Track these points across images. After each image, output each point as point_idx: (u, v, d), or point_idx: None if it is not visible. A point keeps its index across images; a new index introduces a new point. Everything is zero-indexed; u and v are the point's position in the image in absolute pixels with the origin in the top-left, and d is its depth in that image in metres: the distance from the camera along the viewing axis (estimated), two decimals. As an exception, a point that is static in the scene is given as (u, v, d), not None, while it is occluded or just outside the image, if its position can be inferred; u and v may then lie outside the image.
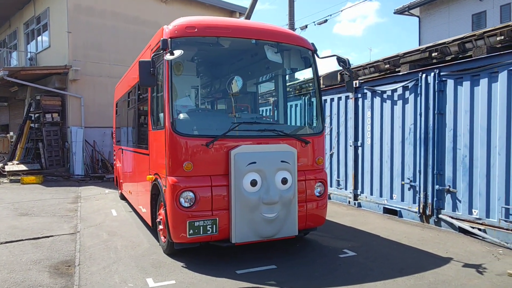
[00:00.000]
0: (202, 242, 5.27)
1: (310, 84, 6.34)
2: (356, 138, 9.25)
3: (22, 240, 6.60)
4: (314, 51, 6.08)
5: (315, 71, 6.13)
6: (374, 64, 9.24)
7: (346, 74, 5.95)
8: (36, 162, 15.29)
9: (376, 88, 8.59)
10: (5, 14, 20.97)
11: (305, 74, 7.32)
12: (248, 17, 16.38)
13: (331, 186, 10.18)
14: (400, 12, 18.81)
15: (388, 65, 8.81)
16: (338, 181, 9.91)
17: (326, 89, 10.33)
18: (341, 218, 8.00)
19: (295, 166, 5.43)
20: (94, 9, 16.25)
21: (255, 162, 5.16)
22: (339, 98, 9.81)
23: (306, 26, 17.83)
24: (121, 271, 5.08)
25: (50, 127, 15.56)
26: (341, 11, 22.36)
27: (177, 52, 5.00)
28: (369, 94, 8.82)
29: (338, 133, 9.89)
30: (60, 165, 15.69)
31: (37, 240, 6.58)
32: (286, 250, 5.86)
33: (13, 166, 14.36)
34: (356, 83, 9.08)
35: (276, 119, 7.07)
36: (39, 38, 18.61)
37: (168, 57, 5.03)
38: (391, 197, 8.25)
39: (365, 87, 8.90)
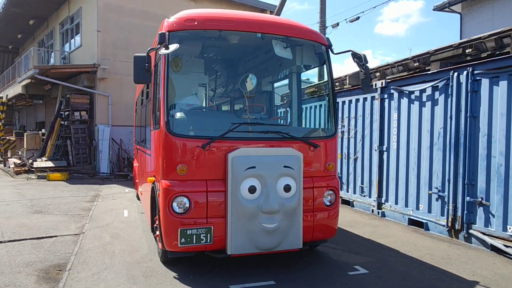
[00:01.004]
0: (196, 252, 4.87)
1: (323, 83, 5.80)
2: (381, 142, 8.58)
3: (25, 239, 6.47)
4: (329, 46, 5.54)
5: (329, 68, 5.57)
6: (403, 62, 8.53)
7: (361, 71, 5.36)
8: (64, 159, 15.51)
9: (404, 88, 7.89)
10: (43, 14, 21.60)
11: (317, 72, 6.75)
12: (277, 15, 15.94)
13: (354, 193, 9.54)
14: (440, 8, 17.67)
15: (417, 63, 8.09)
16: (362, 188, 9.25)
17: (352, 89, 9.71)
18: (360, 228, 7.38)
19: (301, 172, 4.92)
20: (123, 8, 16.33)
21: (254, 167, 4.69)
22: (365, 99, 9.15)
23: (337, 24, 17.15)
24: (109, 279, 4.77)
25: (78, 125, 15.76)
26: (374, 7, 21.33)
27: (172, 46, 4.64)
28: (396, 94, 8.13)
29: (363, 136, 9.23)
30: (87, 163, 15.86)
31: (39, 240, 6.42)
32: (288, 264, 5.35)
33: (41, 162, 14.62)
34: (382, 83, 8.43)
35: (287, 120, 6.56)
36: (72, 37, 18.98)
37: (162, 51, 4.68)
38: (417, 208, 7.53)
39: (391, 87, 8.22)
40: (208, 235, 4.70)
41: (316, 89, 6.02)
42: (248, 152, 4.78)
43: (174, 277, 4.85)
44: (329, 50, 5.53)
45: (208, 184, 4.76)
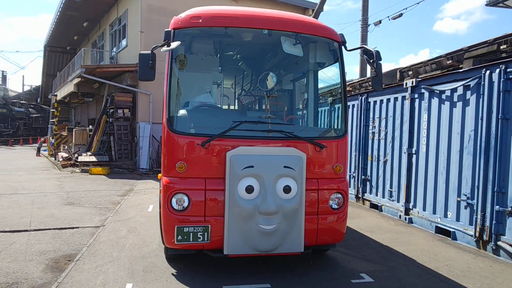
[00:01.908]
0: (194, 250, 4.85)
1: (335, 80, 5.55)
2: (410, 145, 8.12)
3: (48, 229, 6.81)
4: (342, 42, 5.30)
5: (341, 65, 5.34)
6: (436, 60, 8.01)
7: (372, 69, 5.08)
8: (107, 154, 16.23)
9: (434, 87, 7.41)
10: (96, 17, 22.73)
11: (330, 70, 6.47)
12: (317, 14, 15.65)
13: (383, 197, 9.12)
14: (494, 4, 16.40)
15: (450, 61, 7.56)
16: (391, 192, 8.82)
17: (384, 88, 9.27)
18: (381, 234, 7.02)
19: (303, 173, 4.74)
20: (166, 9, 16.75)
21: (252, 166, 4.58)
22: (395, 99, 8.72)
23: (380, 22, 16.53)
24: (110, 272, 4.88)
25: (121, 122, 16.41)
26: (418, 3, 20.22)
27: (174, 44, 4.67)
28: (426, 94, 7.66)
29: (393, 137, 8.80)
30: (128, 158, 16.48)
31: (61, 231, 6.73)
32: (290, 267, 5.19)
33: (86, 157, 15.39)
34: (412, 82, 7.98)
35: (299, 120, 6.35)
36: (119, 38, 19.80)
37: (164, 48, 4.71)
38: (445, 215, 7.04)
39: (422, 86, 7.75)
40: (206, 233, 4.67)
41: (328, 88, 5.76)
42: (247, 150, 4.68)
43: (172, 273, 4.88)
44: (341, 46, 5.30)
45: (207, 183, 4.73)
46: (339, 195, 5.12)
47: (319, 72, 5.83)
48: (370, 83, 10.97)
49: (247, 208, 4.55)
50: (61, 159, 16.49)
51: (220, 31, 5.09)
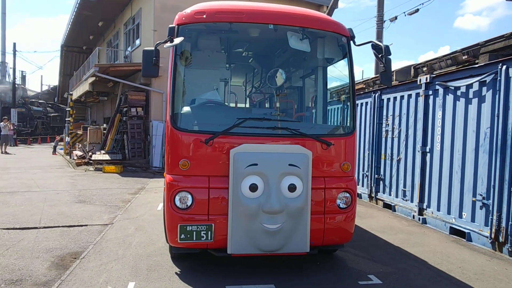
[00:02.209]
0: (198, 249, 4.78)
1: (343, 76, 5.39)
2: (424, 143, 7.89)
3: (57, 226, 6.84)
4: (351, 37, 5.15)
5: (350, 61, 5.18)
6: (451, 56, 7.76)
7: (380, 64, 4.91)
8: (121, 153, 16.34)
9: (449, 83, 7.17)
10: (111, 16, 22.95)
11: (339, 66, 6.29)
12: (331, 11, 15.42)
13: (396, 196, 8.90)
14: (515, -3, 15.93)
15: (466, 56, 7.31)
16: (404, 192, 8.60)
17: (397, 85, 9.07)
18: (393, 235, 6.83)
19: (309, 171, 4.61)
20: (180, 7, 16.38)
21: (256, 164, 4.48)
22: (409, 96, 8.49)
23: (395, 18, 16.21)
24: (114, 270, 4.85)
25: (135, 121, 16.50)
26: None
27: (177, 40, 4.60)
28: (441, 90, 7.43)
29: (406, 136, 8.57)
30: (141, 157, 16.56)
31: (69, 228, 6.75)
32: (297, 268, 5.07)
33: (99, 155, 15.52)
34: (427, 78, 7.75)
35: (310, 117, 6.21)
36: (134, 37, 19.93)
37: (167, 44, 4.64)
38: (460, 216, 6.81)
39: (436, 82, 7.51)
40: (209, 232, 4.59)
41: (336, 84, 5.61)
42: (251, 148, 4.57)
43: (176, 272, 4.81)
44: (350, 41, 5.15)
45: (211, 181, 4.64)
46: (347, 194, 4.98)
47: (328, 68, 5.67)
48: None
49: (250, 206, 4.44)
50: (75, 158, 16.69)
51: (225, 27, 5.00)
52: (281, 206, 4.43)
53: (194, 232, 4.57)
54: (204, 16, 4.83)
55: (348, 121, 5.16)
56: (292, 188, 4.50)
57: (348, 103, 5.21)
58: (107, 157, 15.37)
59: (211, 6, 4.98)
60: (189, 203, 4.61)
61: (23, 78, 50.82)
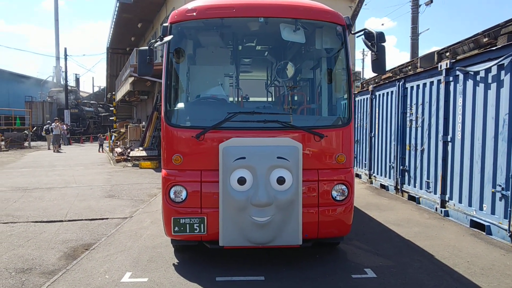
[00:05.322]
0: (194, 241, 4.90)
1: (339, 66, 5.25)
2: (445, 132, 7.52)
3: (80, 220, 7.27)
4: (347, 26, 5.02)
5: (346, 49, 5.05)
6: (474, 39, 7.29)
7: (372, 52, 4.73)
8: (157, 149, 16.91)
9: (469, 68, 6.78)
10: (149, 17, 23.74)
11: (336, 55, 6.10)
12: (358, 7, 14.97)
13: (420, 188, 8.56)
14: None
15: (487, 39, 6.85)
16: (428, 183, 8.25)
17: (420, 72, 8.69)
18: (408, 228, 6.59)
19: (299, 163, 4.57)
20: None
21: (244, 158, 4.52)
22: (431, 83, 8.11)
23: (431, 1, 15.42)
24: (117, 261, 5.10)
25: (169, 118, 16.96)
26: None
27: (166, 38, 4.74)
28: (461, 76, 7.04)
29: (429, 125, 8.20)
30: (177, 153, 17.02)
31: (90, 221, 7.15)
32: (290, 260, 5.04)
33: (137, 152, 16.18)
34: (447, 64, 7.37)
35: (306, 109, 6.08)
36: (169, 36, 20.46)
37: (158, 43, 4.79)
38: (481, 208, 6.44)
39: (457, 68, 7.12)
40: (202, 225, 4.70)
41: (331, 72, 5.45)
42: (240, 142, 4.61)
43: (174, 263, 4.98)
44: (345, 30, 5.02)
45: (203, 175, 4.75)
46: (343, 186, 4.88)
47: (326, 58, 5.56)
48: (410, 67, 10.34)
49: (239, 200, 4.49)
50: (116, 155, 17.50)
51: (216, 23, 5.05)
52: (269, 199, 4.43)
53: (188, 225, 4.70)
54: (195, 13, 4.91)
55: (344, 112, 5.04)
56: (280, 181, 4.49)
57: (346, 93, 5.09)
58: (144, 153, 15.99)
59: (203, 3, 5.06)
60: (183, 196, 4.75)
61: (77, 80, 53.73)
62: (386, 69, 8.29)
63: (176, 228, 4.70)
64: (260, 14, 4.93)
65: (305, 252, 5.25)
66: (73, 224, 6.95)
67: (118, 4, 21.50)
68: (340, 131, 4.91)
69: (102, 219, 7.36)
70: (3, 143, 25.31)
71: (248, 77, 6.82)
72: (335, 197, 4.85)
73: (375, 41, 4.66)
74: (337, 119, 5.09)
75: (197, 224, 4.71)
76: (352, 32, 5.10)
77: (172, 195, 4.77)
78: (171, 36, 4.73)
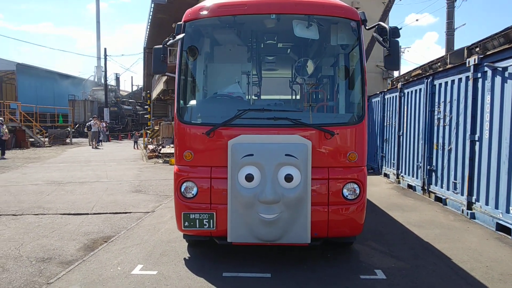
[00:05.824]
0: (205, 237, 4.98)
1: (352, 62, 5.14)
2: (473, 131, 7.21)
3: (104, 213, 7.55)
4: (362, 21, 4.92)
5: (360, 45, 4.95)
6: (504, 33, 6.96)
7: (385, 47, 4.60)
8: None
9: (497, 64, 6.47)
10: (180, 18, 24.12)
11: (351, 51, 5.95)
12: (391, 2, 14.61)
13: (447, 189, 8.25)
14: None
15: (517, 32, 6.51)
16: (455, 184, 7.94)
17: (449, 68, 8.37)
18: (429, 230, 6.38)
19: (308, 161, 4.54)
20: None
21: (252, 155, 4.54)
22: (460, 80, 7.79)
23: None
24: (131, 253, 5.26)
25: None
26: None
27: (178, 36, 4.85)
28: (489, 72, 6.72)
29: (457, 123, 7.89)
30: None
31: (113, 215, 7.41)
32: (300, 259, 5.02)
33: (168, 149, 16.58)
34: (475, 59, 7.06)
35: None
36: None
37: (170, 41, 4.90)
38: (507, 211, 6.13)
39: (485, 64, 6.81)
40: (211, 221, 4.76)
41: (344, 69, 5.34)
42: (248, 139, 4.64)
43: (184, 258, 5.08)
44: (360, 26, 4.92)
45: (213, 171, 4.81)
46: (355, 185, 4.80)
47: (341, 54, 5.47)
48: (439, 63, 9.98)
49: (247, 196, 4.52)
50: (148, 151, 17.98)
51: (229, 20, 5.11)
52: (277, 196, 4.44)
53: (197, 220, 4.79)
54: (208, 11, 4.99)
55: (356, 109, 4.95)
56: (288, 178, 4.48)
57: (358, 89, 4.99)
58: (173, 150, 16.33)
59: (217, 1, 5.11)
60: (194, 192, 4.84)
61: (117, 79, 55.53)
62: (417, 66, 8.08)
63: (186, 223, 4.79)
64: (273, 11, 4.93)
65: (316, 252, 5.21)
66: (97, 217, 7.22)
67: (153, 4, 22.02)
68: (352, 128, 4.83)
69: (126, 213, 7.60)
70: (47, 139, 26.64)
71: (265, 75, 6.81)
72: (347, 196, 4.78)
73: (388, 36, 4.55)
74: (350, 117, 5.01)
75: (207, 220, 4.78)
76: (367, 28, 4.99)
77: (183, 191, 4.87)
78: (183, 34, 4.82)
